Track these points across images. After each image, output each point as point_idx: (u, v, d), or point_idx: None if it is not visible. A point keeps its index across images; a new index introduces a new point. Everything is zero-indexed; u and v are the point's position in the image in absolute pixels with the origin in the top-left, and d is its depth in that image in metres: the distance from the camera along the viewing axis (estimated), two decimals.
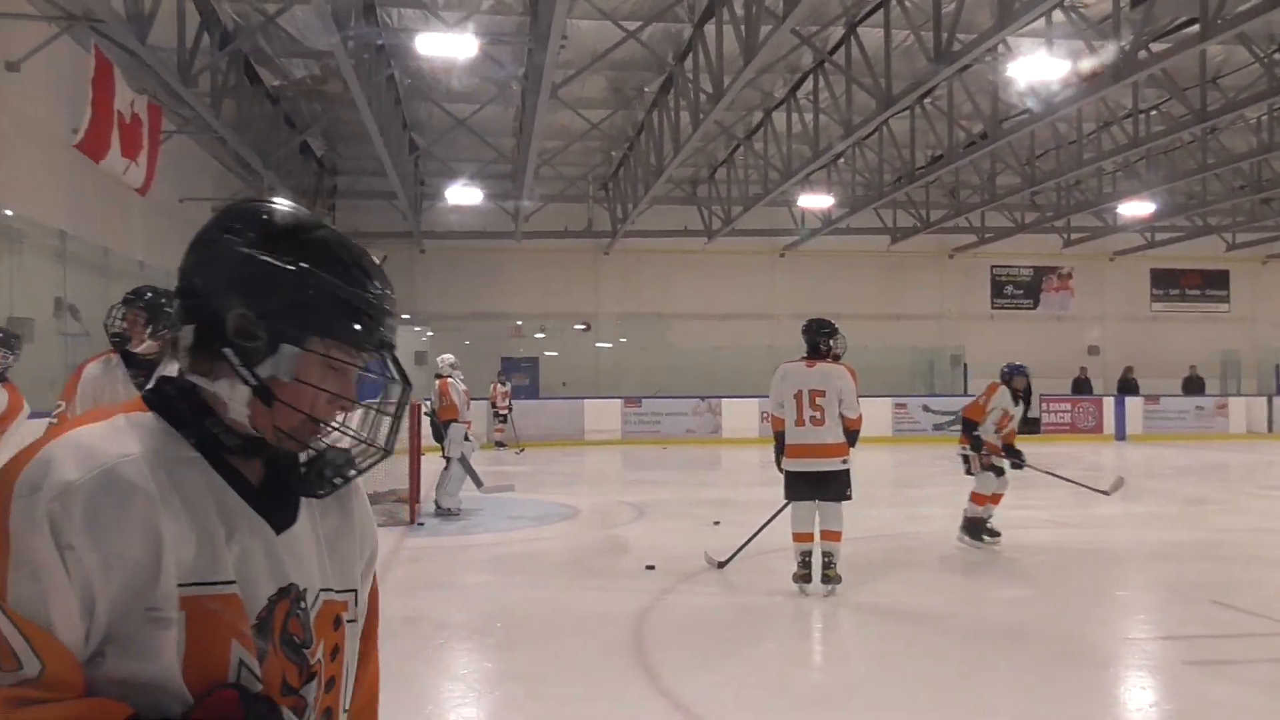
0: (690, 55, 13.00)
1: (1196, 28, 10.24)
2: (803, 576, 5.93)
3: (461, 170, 19.07)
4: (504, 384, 18.49)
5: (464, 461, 9.34)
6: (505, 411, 18.28)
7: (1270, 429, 21.42)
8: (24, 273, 10.07)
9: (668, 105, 14.89)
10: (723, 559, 6.66)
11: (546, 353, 22.03)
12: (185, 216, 16.45)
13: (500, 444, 18.09)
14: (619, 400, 20.15)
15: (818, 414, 5.99)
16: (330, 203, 21.20)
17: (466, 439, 9.52)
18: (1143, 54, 11.15)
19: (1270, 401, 21.95)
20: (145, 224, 14.23)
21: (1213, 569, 7.08)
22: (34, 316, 9.89)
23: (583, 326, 22.53)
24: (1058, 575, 6.89)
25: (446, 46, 11.41)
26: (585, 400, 19.90)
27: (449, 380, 9.50)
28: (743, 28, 10.76)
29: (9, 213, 9.85)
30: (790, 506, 6.06)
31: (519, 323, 22.20)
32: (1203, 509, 10.50)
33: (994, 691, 4.30)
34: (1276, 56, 12.41)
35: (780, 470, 6.11)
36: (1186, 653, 4.89)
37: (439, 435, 9.48)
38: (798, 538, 5.99)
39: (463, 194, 18.57)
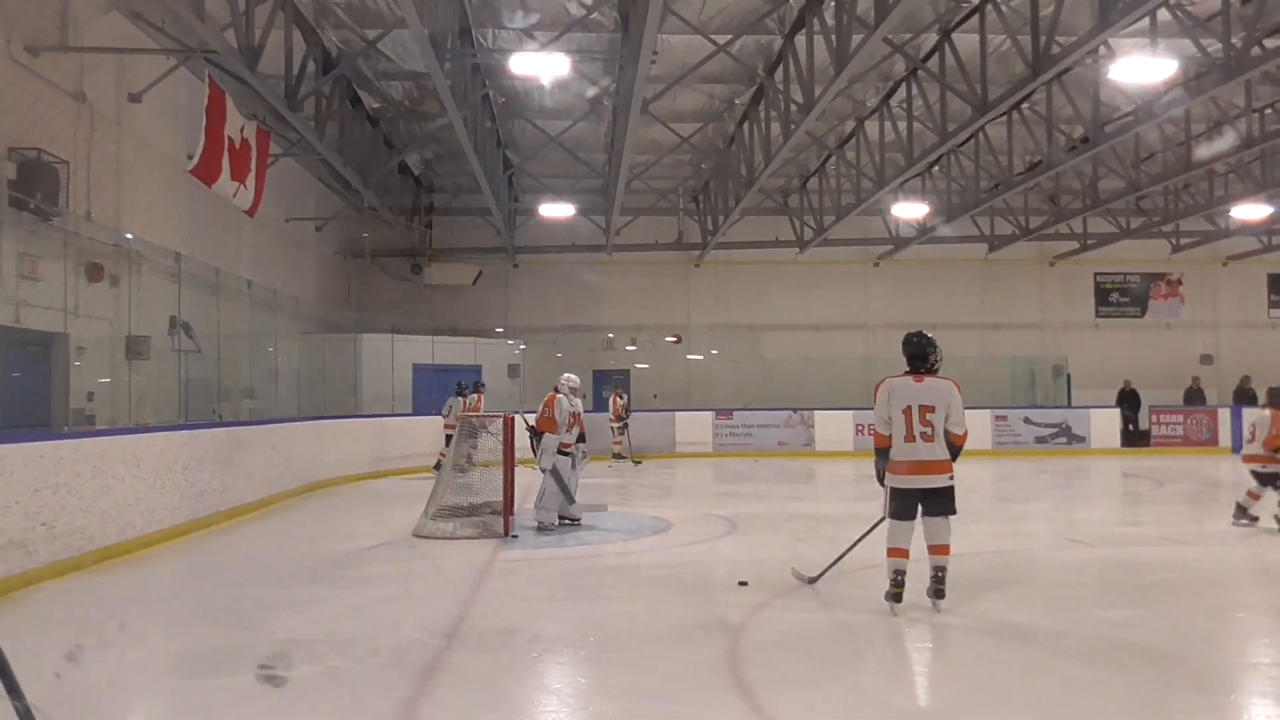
0: (781, 66, 12.95)
1: None
2: (895, 595, 5.78)
3: (554, 186, 19.36)
4: (621, 397, 18.55)
5: (556, 475, 9.43)
6: (615, 425, 18.31)
7: None
8: (142, 293, 10.63)
9: (758, 116, 14.84)
10: (813, 575, 6.57)
11: (638, 365, 22.14)
12: (290, 236, 17.14)
13: (619, 456, 18.22)
14: (710, 412, 20.10)
15: (928, 430, 5.86)
16: (427, 220, 21.77)
17: (569, 454, 9.63)
18: (1255, 50, 10.64)
19: None
20: (253, 244, 14.87)
21: None
22: (150, 334, 10.43)
23: (674, 339, 22.57)
24: (1173, 595, 6.58)
25: (539, 65, 11.63)
26: (677, 413, 19.90)
27: (558, 395, 9.65)
28: (834, 37, 10.67)
29: (130, 236, 10.41)
30: (889, 523, 5.92)
31: (610, 335, 22.36)
32: None
33: (1104, 715, 4.13)
34: None
35: (882, 485, 5.98)
36: None
37: (535, 449, 9.61)
38: (894, 553, 5.85)
39: (555, 209, 18.85)
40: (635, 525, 9.68)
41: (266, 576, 7.38)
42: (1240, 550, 8.42)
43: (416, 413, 17.33)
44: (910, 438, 5.84)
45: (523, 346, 21.51)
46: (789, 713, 4.16)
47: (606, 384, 20.23)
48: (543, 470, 9.49)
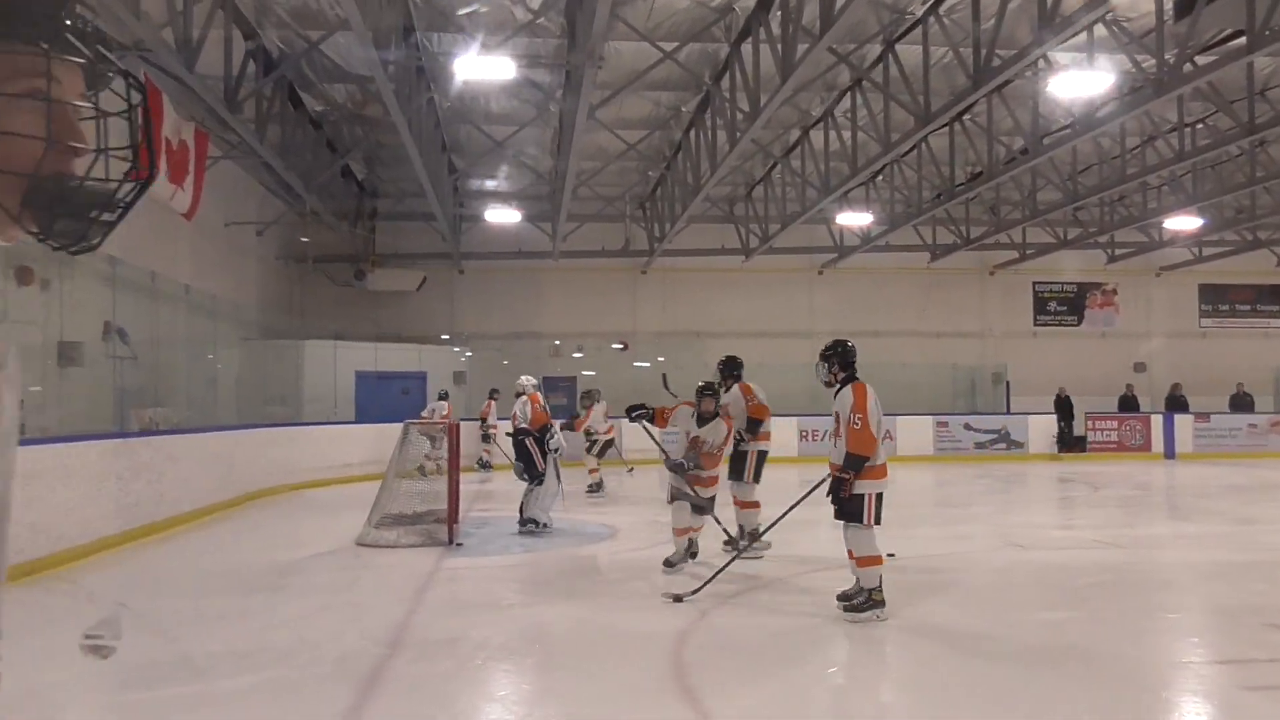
0: (727, 74, 13.04)
1: (1243, 40, 10.06)
2: (883, 602, 5.82)
3: (500, 191, 19.24)
4: (599, 401, 18.13)
5: (556, 466, 9.58)
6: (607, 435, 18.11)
7: None
8: (75, 297, 10.31)
9: (705, 124, 14.92)
10: (684, 593, 6.34)
11: (584, 372, 22.08)
12: (230, 240, 16.80)
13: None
14: None
15: None
16: (371, 224, 21.49)
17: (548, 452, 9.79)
18: (1188, 67, 10.98)
19: None
20: (191, 248, 14.53)
21: (1268, 591, 6.89)
22: (83, 340, 10.13)
23: (620, 346, 22.57)
24: (1107, 596, 6.74)
25: (485, 69, 11.55)
26: (622, 419, 19.84)
27: (538, 394, 9.97)
28: (779, 46, 10.77)
29: None
30: (870, 530, 5.84)
31: (557, 342, 22.28)
32: (1257, 529, 10.23)
33: (1042, 714, 4.21)
34: None
35: (847, 495, 5.79)
36: (1243, 678, 4.76)
37: (525, 452, 9.60)
38: (878, 561, 5.85)
39: (501, 215, 18.73)
40: (582, 532, 9.65)
41: (204, 587, 7.21)
42: (1170, 553, 8.67)
43: (359, 420, 17.08)
44: (882, 439, 5.97)
45: (469, 353, 21.33)
46: (732, 716, 4.17)
47: (554, 390, 20.05)
48: (543, 473, 9.58)
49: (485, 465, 17.57)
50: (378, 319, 21.42)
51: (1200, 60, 11.44)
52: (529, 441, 9.62)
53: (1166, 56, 10.86)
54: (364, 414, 17.55)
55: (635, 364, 22.52)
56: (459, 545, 8.71)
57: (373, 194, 21.14)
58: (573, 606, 6.45)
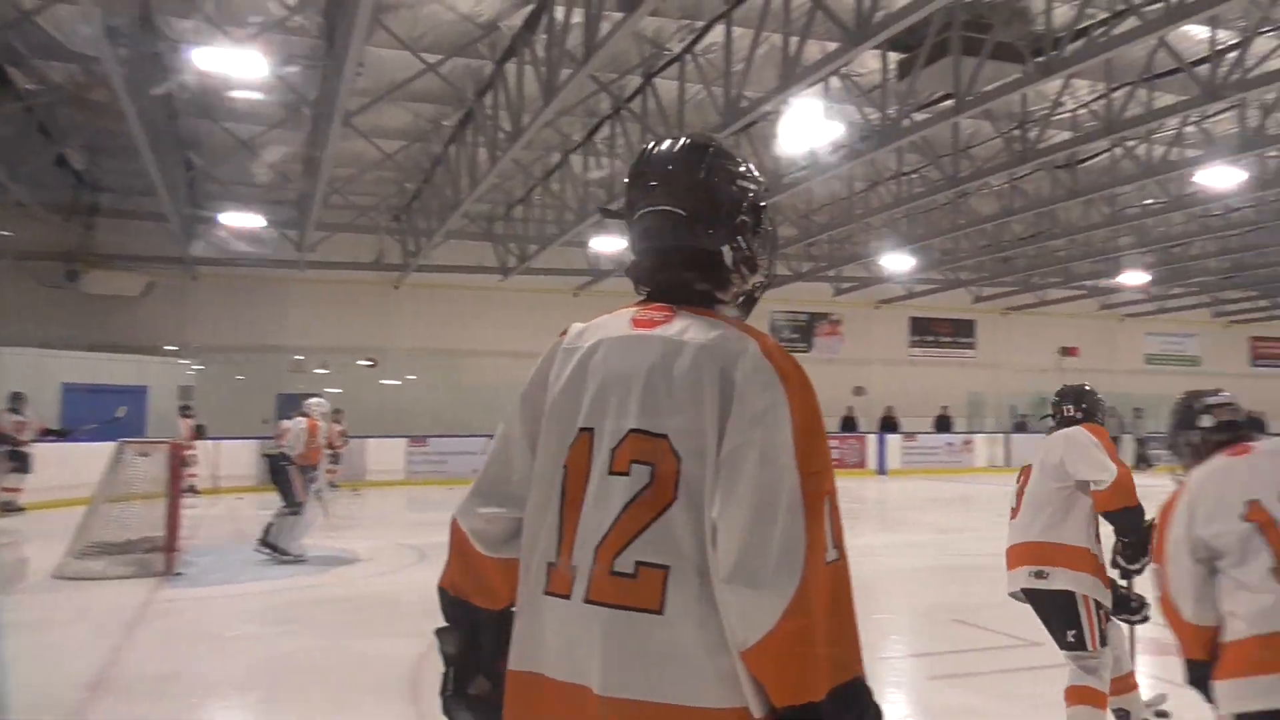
0: (490, 92, 12.99)
1: (951, 102, 11.31)
2: None
3: (243, 194, 18.05)
4: (339, 422, 16.69)
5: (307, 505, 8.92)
6: (341, 451, 16.83)
7: (1008, 463, 23.67)
8: None
9: (466, 140, 14.77)
10: None
11: (328, 389, 21.04)
12: None
13: (335, 485, 16.71)
14: (404, 439, 19.54)
15: None
16: (89, 221, 19.42)
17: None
18: (906, 122, 12.20)
19: (1008, 439, 24.40)
20: None
21: (958, 591, 7.74)
22: None
23: (368, 362, 21.73)
24: None
25: (230, 63, 10.81)
26: (368, 439, 19.13)
27: (319, 423, 9.15)
28: (543, 69, 10.87)
29: None
30: None
31: (299, 357, 21.13)
32: (953, 536, 11.43)
33: None
34: (1015, 133, 13.93)
35: None
36: (932, 668, 5.29)
37: (287, 478, 8.84)
38: None
39: (241, 219, 17.54)
40: (317, 557, 9.15)
41: None
42: (881, 561, 9.46)
43: (65, 438, 15.35)
44: None
45: (198, 367, 19.75)
46: None
47: (294, 409, 18.98)
48: (299, 503, 8.92)
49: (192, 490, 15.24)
50: (94, 325, 19.38)
51: (917, 117, 12.76)
52: (291, 469, 8.89)
53: (889, 111, 12.00)
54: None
55: (383, 381, 21.80)
56: (178, 574, 8.01)
57: (94, 187, 19.12)
58: (304, 636, 6.10)
